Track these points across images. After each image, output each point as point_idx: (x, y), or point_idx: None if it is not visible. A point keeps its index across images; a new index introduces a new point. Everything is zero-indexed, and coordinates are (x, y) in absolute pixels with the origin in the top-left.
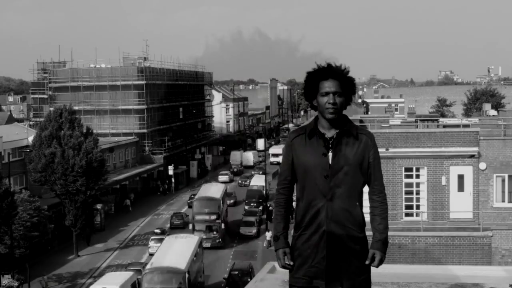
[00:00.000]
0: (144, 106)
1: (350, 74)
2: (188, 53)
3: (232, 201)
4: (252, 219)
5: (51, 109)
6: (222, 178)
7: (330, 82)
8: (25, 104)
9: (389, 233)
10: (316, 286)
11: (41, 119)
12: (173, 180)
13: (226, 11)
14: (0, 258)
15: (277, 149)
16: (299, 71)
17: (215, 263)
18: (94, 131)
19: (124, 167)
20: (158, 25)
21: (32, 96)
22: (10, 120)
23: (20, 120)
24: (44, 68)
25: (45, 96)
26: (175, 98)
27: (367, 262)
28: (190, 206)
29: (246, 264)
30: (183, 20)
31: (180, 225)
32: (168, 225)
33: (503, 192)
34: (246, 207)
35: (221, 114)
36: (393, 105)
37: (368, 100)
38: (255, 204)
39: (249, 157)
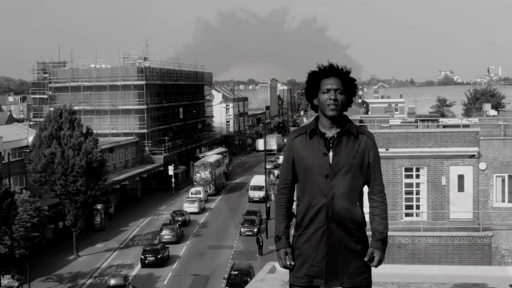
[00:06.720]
0: (144, 106)
1: (351, 75)
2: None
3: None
4: (253, 217)
5: (51, 109)
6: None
7: (331, 80)
8: (25, 104)
9: (389, 233)
10: (317, 285)
11: (41, 119)
12: (173, 180)
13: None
14: (0, 258)
15: None
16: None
17: (215, 263)
18: (94, 131)
19: (124, 167)
20: (158, 25)
21: (32, 96)
22: (10, 120)
23: (20, 120)
24: (44, 68)
25: (45, 96)
26: (175, 98)
27: (365, 259)
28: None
29: (246, 264)
30: (184, 19)
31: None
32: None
33: (503, 192)
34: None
35: (221, 114)
36: (393, 105)
37: (368, 100)
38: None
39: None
